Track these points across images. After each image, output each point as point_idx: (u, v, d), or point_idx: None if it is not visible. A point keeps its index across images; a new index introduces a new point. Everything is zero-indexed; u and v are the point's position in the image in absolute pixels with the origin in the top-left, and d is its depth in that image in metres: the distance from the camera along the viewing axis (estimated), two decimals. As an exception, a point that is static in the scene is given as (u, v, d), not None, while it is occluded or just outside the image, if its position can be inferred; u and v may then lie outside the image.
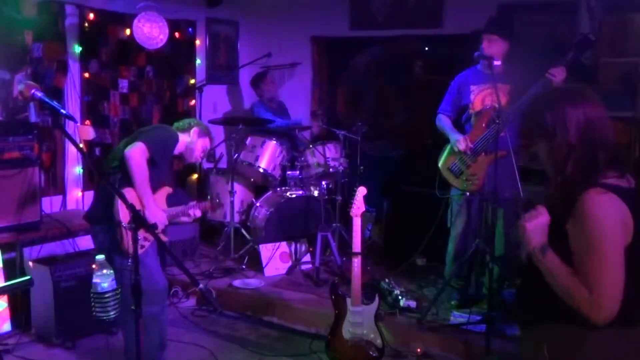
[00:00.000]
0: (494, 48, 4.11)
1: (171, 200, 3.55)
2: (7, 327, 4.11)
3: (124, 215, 3.21)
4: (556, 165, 1.92)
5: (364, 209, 3.73)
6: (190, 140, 3.64)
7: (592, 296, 1.78)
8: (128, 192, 3.24)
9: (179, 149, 3.60)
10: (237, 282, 4.87)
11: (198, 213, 3.66)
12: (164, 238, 3.50)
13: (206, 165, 6.00)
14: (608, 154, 1.88)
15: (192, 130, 3.65)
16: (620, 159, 1.93)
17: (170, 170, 3.74)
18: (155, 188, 3.42)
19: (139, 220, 2.42)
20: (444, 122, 4.36)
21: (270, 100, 6.15)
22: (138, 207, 3.25)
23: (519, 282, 2.13)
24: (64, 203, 5.15)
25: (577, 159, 1.87)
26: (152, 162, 3.32)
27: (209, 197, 4.20)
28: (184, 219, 3.65)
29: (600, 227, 1.79)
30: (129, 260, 3.05)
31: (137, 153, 3.23)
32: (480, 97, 4.20)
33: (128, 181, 3.26)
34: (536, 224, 1.90)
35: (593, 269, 1.79)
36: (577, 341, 1.87)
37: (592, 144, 1.86)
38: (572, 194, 1.84)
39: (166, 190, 3.54)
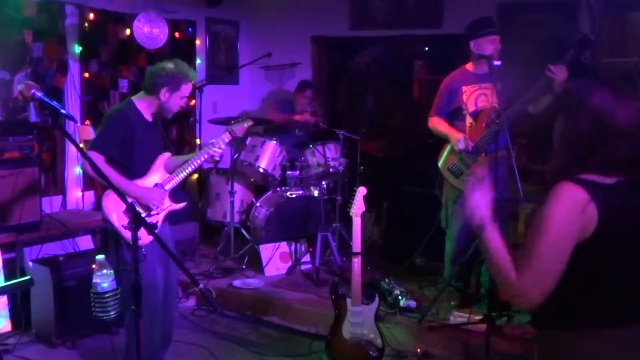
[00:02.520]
0: (495, 47, 4.10)
1: (171, 199, 3.52)
2: (7, 327, 4.11)
3: (117, 216, 3.21)
4: (560, 146, 1.92)
5: (364, 209, 3.73)
6: (161, 102, 3.31)
7: (517, 280, 1.79)
8: (112, 195, 3.18)
9: (151, 110, 3.36)
10: (237, 282, 4.87)
11: (219, 152, 3.48)
12: (178, 206, 3.48)
13: (206, 165, 6.00)
14: (612, 158, 1.83)
15: (160, 93, 3.28)
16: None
17: (154, 137, 3.43)
18: (146, 167, 3.35)
19: (138, 220, 2.42)
20: (439, 123, 4.33)
21: (294, 108, 6.08)
22: (129, 200, 3.22)
23: None
24: (64, 203, 5.14)
25: (578, 148, 1.86)
26: (116, 157, 3.22)
27: (229, 126, 3.67)
28: (209, 160, 3.50)
29: (551, 216, 1.78)
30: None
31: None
32: (472, 98, 4.19)
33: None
34: (482, 195, 1.94)
35: (529, 252, 1.80)
36: (562, 347, 1.87)
37: (603, 141, 1.82)
38: (550, 186, 1.84)
39: (162, 159, 3.42)
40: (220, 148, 3.49)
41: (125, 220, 3.22)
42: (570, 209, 1.78)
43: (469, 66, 4.27)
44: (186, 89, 3.35)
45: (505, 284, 1.83)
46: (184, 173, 3.43)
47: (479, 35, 4.13)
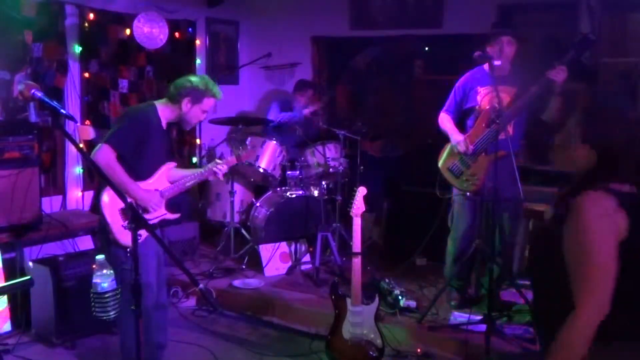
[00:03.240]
0: (511, 50, 4.07)
1: (171, 201, 3.54)
2: (7, 327, 4.11)
3: (111, 213, 3.24)
4: (580, 166, 1.94)
5: (364, 209, 3.73)
6: (182, 112, 3.41)
7: (584, 311, 1.78)
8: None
9: (169, 119, 3.42)
10: (237, 282, 4.87)
11: (224, 169, 3.58)
12: (172, 216, 3.52)
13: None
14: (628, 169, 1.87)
15: (182, 103, 3.38)
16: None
17: (165, 144, 3.51)
18: (151, 171, 3.40)
19: (138, 220, 2.42)
20: (446, 121, 4.32)
21: (292, 108, 6.09)
22: (129, 200, 3.25)
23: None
24: (64, 203, 5.14)
25: (600, 165, 1.88)
26: (127, 156, 3.28)
27: (235, 149, 3.80)
28: (211, 178, 3.61)
29: (589, 228, 1.78)
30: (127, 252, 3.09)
31: (102, 156, 3.20)
32: (487, 99, 4.14)
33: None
34: None
35: (585, 279, 1.79)
36: None
37: (620, 157, 1.87)
38: (574, 196, 1.85)
39: (166, 167, 3.48)
40: (223, 169, 3.59)
41: (122, 220, 3.23)
42: (602, 216, 1.78)
43: (487, 67, 4.18)
44: (208, 103, 3.44)
45: (584, 315, 1.81)
46: (184, 185, 3.52)
47: (491, 37, 4.10)
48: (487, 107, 4.10)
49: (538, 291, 2.06)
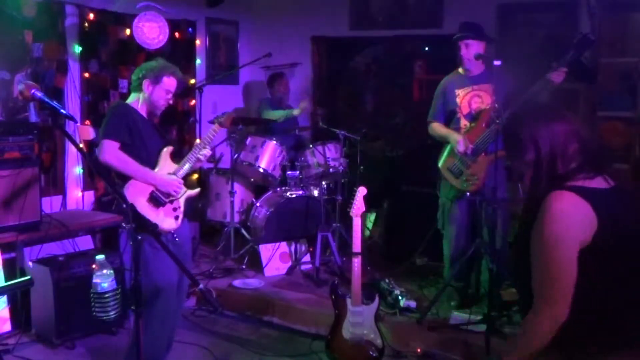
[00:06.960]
0: (472, 51, 4.20)
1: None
2: (7, 327, 4.10)
3: (140, 206, 3.27)
4: (532, 177, 1.95)
5: (364, 209, 3.73)
6: (145, 96, 3.42)
7: (543, 307, 1.80)
8: (133, 185, 3.29)
9: (140, 110, 3.45)
10: (237, 282, 4.87)
11: (213, 137, 3.65)
12: (194, 192, 3.56)
13: (206, 165, 6.00)
14: (578, 161, 1.87)
15: (143, 85, 3.40)
16: (599, 162, 1.91)
17: (155, 131, 3.53)
18: (155, 158, 3.43)
19: (139, 221, 2.42)
20: (439, 127, 4.39)
21: (279, 101, 6.17)
22: (150, 189, 3.32)
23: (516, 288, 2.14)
24: (64, 203, 5.14)
25: (547, 170, 1.89)
26: (129, 143, 3.31)
27: (216, 119, 3.78)
28: (207, 152, 3.60)
29: (551, 230, 1.79)
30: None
31: (110, 153, 3.24)
32: (466, 100, 4.26)
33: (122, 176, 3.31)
34: None
35: (543, 274, 1.81)
36: None
37: (562, 157, 1.88)
38: (539, 199, 1.86)
39: (167, 152, 3.50)
40: (213, 136, 3.64)
41: (154, 208, 3.30)
42: (567, 215, 1.78)
43: (461, 69, 4.33)
44: (169, 82, 3.44)
45: (539, 322, 1.83)
46: (190, 162, 3.53)
47: (455, 39, 4.28)
48: (488, 107, 4.12)
49: (519, 289, 2.08)
